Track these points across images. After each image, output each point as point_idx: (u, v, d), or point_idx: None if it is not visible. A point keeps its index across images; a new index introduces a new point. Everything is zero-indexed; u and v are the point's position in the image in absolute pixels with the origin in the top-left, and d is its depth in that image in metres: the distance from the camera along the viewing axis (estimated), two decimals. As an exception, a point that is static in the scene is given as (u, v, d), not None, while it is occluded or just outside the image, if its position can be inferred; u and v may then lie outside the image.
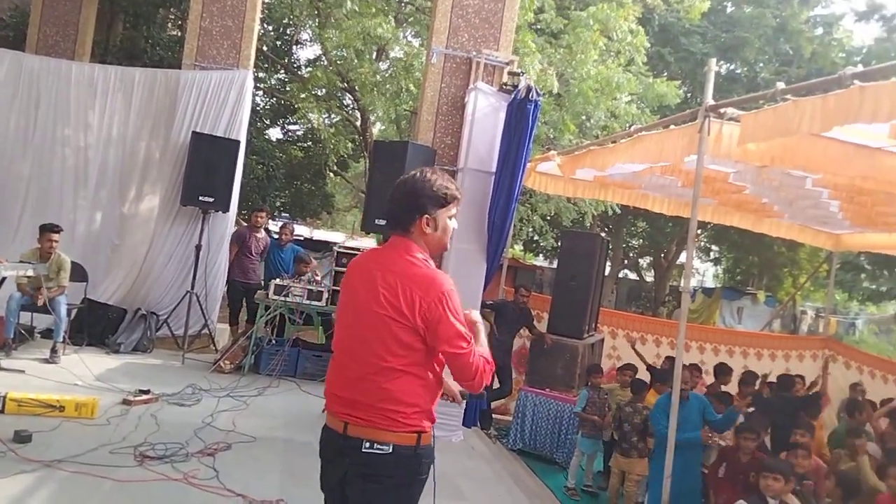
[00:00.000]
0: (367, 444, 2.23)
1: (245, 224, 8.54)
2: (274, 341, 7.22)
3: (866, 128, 4.26)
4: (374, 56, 12.88)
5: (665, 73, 14.09)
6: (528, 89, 5.71)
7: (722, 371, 7.09)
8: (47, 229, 6.57)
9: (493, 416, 7.54)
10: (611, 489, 5.88)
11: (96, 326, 7.27)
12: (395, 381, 2.22)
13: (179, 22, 13.56)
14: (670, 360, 7.18)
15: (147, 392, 5.49)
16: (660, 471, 4.58)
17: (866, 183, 5.60)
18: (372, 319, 2.24)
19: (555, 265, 13.21)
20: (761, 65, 17.00)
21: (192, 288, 7.37)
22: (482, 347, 2.33)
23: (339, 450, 2.31)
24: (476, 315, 2.45)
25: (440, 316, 2.19)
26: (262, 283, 8.11)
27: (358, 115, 15.04)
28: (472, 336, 2.28)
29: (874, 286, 17.85)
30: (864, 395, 7.28)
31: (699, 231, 19.60)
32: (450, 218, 2.37)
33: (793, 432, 5.15)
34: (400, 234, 2.34)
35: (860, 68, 3.78)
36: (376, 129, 16.69)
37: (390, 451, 2.23)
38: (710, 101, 4.70)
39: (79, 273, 7.09)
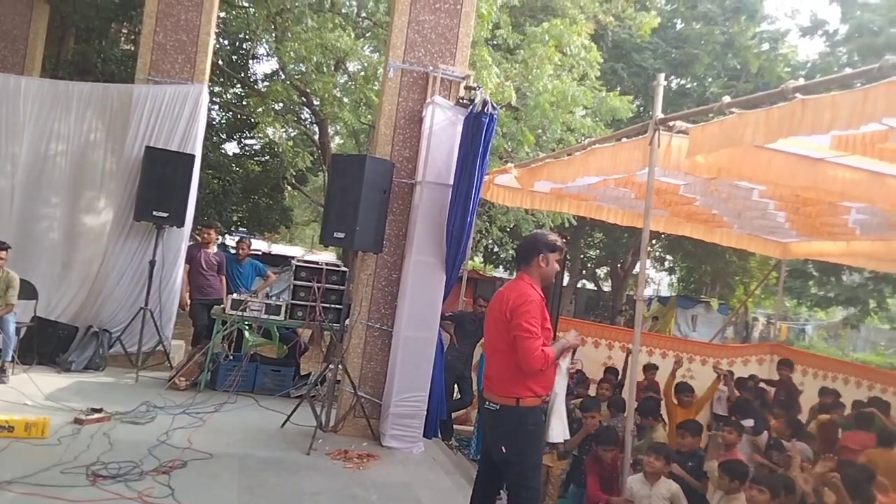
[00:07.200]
0: (487, 403, 3.65)
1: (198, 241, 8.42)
2: (231, 357, 7.13)
3: (809, 139, 4.43)
4: (332, 69, 12.85)
5: (618, 88, 14.38)
6: (484, 103, 5.77)
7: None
8: (-6, 246, 6.41)
9: (454, 426, 7.57)
10: None
11: (46, 345, 7.10)
12: (504, 360, 3.56)
13: (132, 37, 13.34)
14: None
15: (99, 411, 5.37)
16: None
17: (809, 193, 5.81)
18: (498, 321, 3.63)
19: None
20: (710, 80, 17.45)
21: (146, 304, 7.24)
22: (549, 349, 3.53)
23: (481, 406, 3.79)
24: (570, 336, 3.86)
25: (519, 313, 3.48)
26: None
27: (316, 128, 14.97)
28: (545, 338, 3.53)
29: (822, 292, 18.33)
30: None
31: (653, 241, 19.98)
32: (556, 261, 3.78)
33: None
34: (524, 267, 3.74)
35: (802, 82, 3.93)
36: (335, 143, 16.62)
37: (497, 408, 3.58)
38: (659, 114, 4.84)
39: (28, 291, 6.91)
